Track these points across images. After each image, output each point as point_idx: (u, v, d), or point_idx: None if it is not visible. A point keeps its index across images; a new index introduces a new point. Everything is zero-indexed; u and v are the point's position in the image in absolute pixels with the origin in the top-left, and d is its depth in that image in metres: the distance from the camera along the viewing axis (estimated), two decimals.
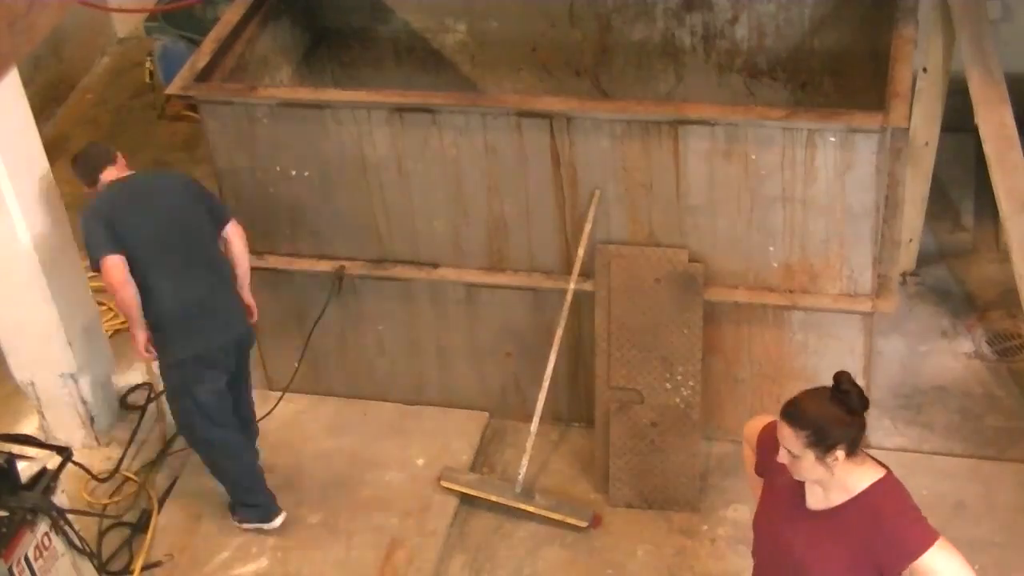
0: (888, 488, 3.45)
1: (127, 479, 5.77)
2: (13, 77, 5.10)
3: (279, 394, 5.93)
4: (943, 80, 5.72)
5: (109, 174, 5.09)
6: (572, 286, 5.29)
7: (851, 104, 5.17)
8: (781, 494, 3.60)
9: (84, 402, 5.80)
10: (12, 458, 4.76)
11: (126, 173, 5.12)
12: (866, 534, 3.40)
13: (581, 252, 5.23)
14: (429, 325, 5.73)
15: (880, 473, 3.46)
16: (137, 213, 4.95)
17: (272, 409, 5.79)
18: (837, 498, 3.46)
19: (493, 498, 5.49)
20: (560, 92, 6.02)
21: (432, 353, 5.83)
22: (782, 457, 3.43)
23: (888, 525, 3.38)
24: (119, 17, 8.86)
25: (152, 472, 5.81)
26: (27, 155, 5.30)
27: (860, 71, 5.68)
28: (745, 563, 5.23)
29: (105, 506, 5.63)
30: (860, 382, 5.28)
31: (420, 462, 5.75)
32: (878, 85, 5.00)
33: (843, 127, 4.75)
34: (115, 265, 4.83)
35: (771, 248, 5.11)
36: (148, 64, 8.06)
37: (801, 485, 3.53)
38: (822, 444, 3.34)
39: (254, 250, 5.69)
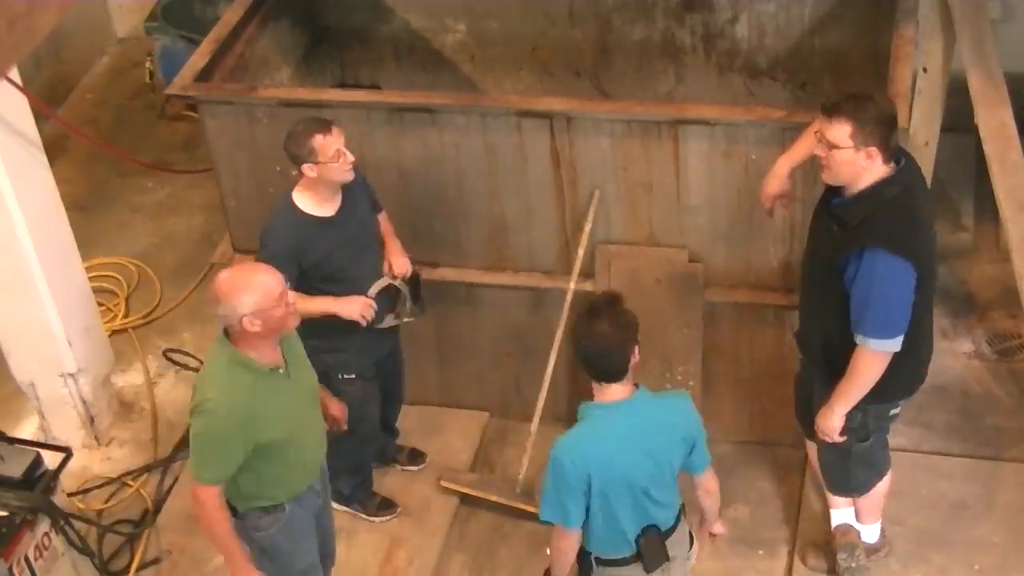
0: None
1: (124, 484, 5.79)
2: (14, 77, 5.10)
3: None
4: (943, 80, 5.72)
5: None
6: (572, 286, 5.29)
7: None
8: None
9: (84, 402, 5.80)
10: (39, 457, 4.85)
11: None
12: None
13: (581, 252, 5.23)
14: (429, 325, 5.73)
15: None
16: None
17: None
18: None
19: (493, 498, 5.49)
20: (560, 92, 6.02)
21: (432, 353, 5.83)
22: None
23: None
24: (119, 17, 8.86)
25: (150, 474, 5.83)
26: (27, 155, 5.30)
27: (860, 71, 5.68)
28: (745, 563, 5.25)
29: (100, 511, 5.65)
30: None
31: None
32: (878, 85, 5.00)
33: None
34: None
35: (771, 248, 5.11)
36: (148, 64, 8.05)
37: None
38: None
39: (254, 250, 5.69)
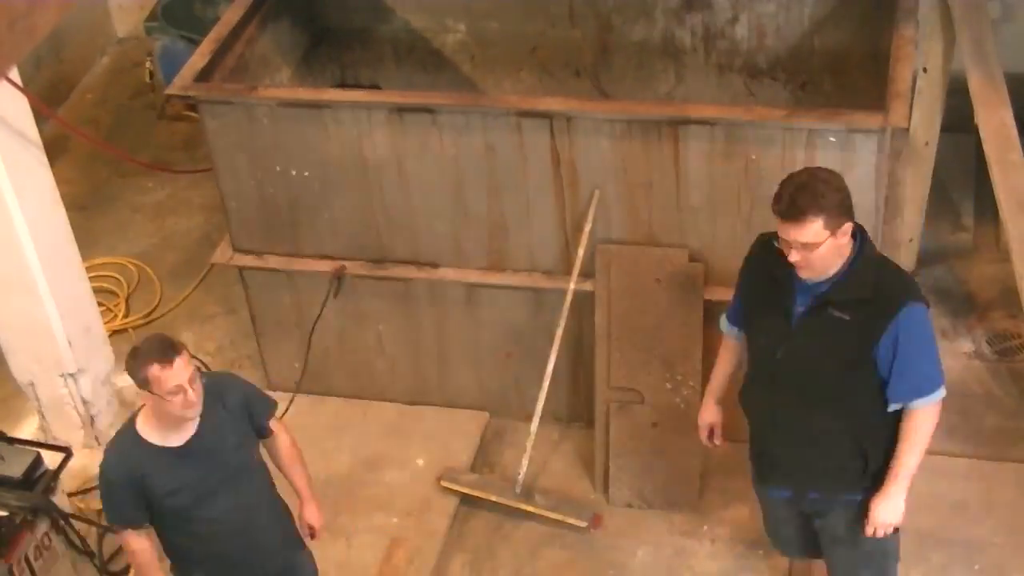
0: None
1: None
2: (13, 77, 5.10)
3: (279, 394, 5.93)
4: (943, 80, 5.72)
5: None
6: (572, 286, 5.29)
7: (851, 104, 5.17)
8: None
9: (84, 402, 5.80)
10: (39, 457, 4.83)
11: None
12: None
13: (581, 252, 5.23)
14: (429, 325, 5.73)
15: None
16: None
17: (283, 412, 5.80)
18: None
19: (493, 498, 5.49)
20: (560, 92, 6.02)
21: (432, 353, 5.83)
22: None
23: None
24: (119, 17, 8.87)
25: None
26: (27, 155, 5.30)
27: (860, 71, 5.68)
28: (745, 563, 5.25)
29: (100, 511, 5.64)
30: None
31: (420, 462, 5.75)
32: (878, 85, 5.00)
33: (843, 127, 4.75)
34: None
35: None
36: (148, 64, 8.06)
37: None
38: None
39: (254, 250, 5.70)
